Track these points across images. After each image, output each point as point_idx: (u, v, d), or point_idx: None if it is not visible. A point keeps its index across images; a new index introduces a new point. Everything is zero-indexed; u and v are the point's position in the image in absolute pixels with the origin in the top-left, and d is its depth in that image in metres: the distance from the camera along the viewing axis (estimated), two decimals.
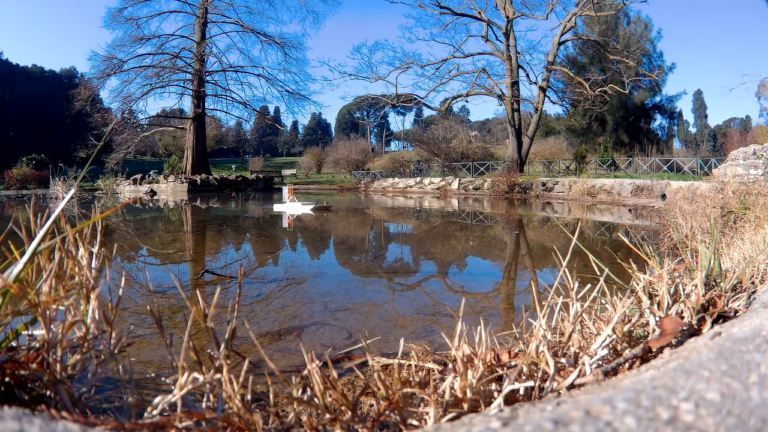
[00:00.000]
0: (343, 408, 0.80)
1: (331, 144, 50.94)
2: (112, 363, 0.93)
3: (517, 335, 1.29)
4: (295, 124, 74.61)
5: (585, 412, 0.55)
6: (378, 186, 26.64)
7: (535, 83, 24.43)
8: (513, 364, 1.00)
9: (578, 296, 1.13)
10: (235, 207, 13.95)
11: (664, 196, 10.73)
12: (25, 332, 0.91)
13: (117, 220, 9.01)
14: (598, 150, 28.83)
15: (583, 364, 0.95)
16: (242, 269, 4.40)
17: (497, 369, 0.99)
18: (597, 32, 29.37)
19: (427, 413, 0.83)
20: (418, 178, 25.66)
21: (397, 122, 73.91)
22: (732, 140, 34.72)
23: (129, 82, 27.10)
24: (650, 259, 1.53)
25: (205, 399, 0.83)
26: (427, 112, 58.51)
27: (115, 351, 0.94)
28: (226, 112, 31.31)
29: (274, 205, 12.30)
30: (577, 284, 1.15)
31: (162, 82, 27.79)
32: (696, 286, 1.25)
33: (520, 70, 24.30)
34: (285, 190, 12.43)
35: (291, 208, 11.20)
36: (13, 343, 0.91)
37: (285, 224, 8.84)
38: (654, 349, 1.02)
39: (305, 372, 0.85)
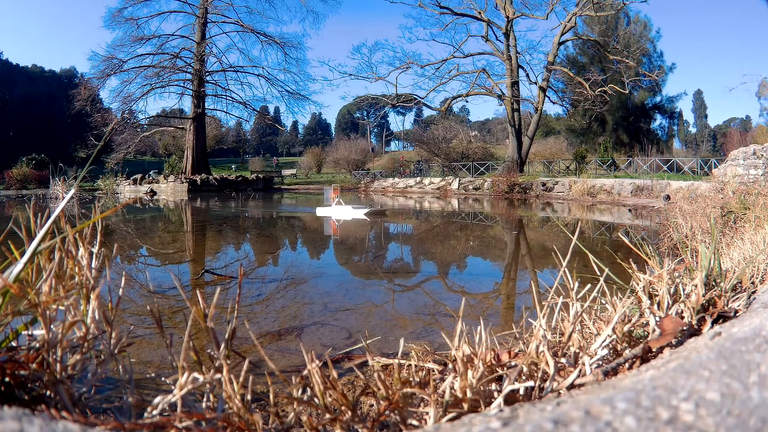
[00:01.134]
0: (343, 408, 0.81)
1: (331, 144, 50.91)
2: (112, 363, 0.93)
3: (517, 335, 1.29)
4: (295, 124, 74.60)
5: (585, 412, 0.55)
6: (378, 186, 26.64)
7: (535, 83, 24.44)
8: (513, 364, 1.00)
9: (578, 296, 1.13)
10: (235, 207, 13.95)
11: (667, 198, 10.70)
12: (25, 332, 0.91)
13: (117, 220, 9.01)
14: (598, 150, 28.83)
15: (583, 364, 0.95)
16: (242, 269, 4.40)
17: (497, 369, 0.99)
18: (597, 32, 29.37)
19: (427, 413, 0.83)
20: (418, 178, 25.65)
21: (397, 122, 73.96)
22: (732, 140, 34.71)
23: (129, 82, 27.12)
24: (650, 259, 1.53)
25: (205, 399, 0.83)
26: (427, 112, 58.49)
27: (115, 351, 0.94)
28: (226, 112, 31.33)
29: (317, 208, 10.44)
30: (577, 284, 1.15)
31: (162, 82, 27.79)
32: (696, 286, 1.25)
33: (520, 70, 24.31)
34: (329, 191, 10.43)
35: (338, 212, 9.57)
36: (13, 343, 0.91)
37: (329, 230, 7.75)
38: (654, 349, 1.02)
39: (305, 372, 0.85)
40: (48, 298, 0.89)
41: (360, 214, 9.43)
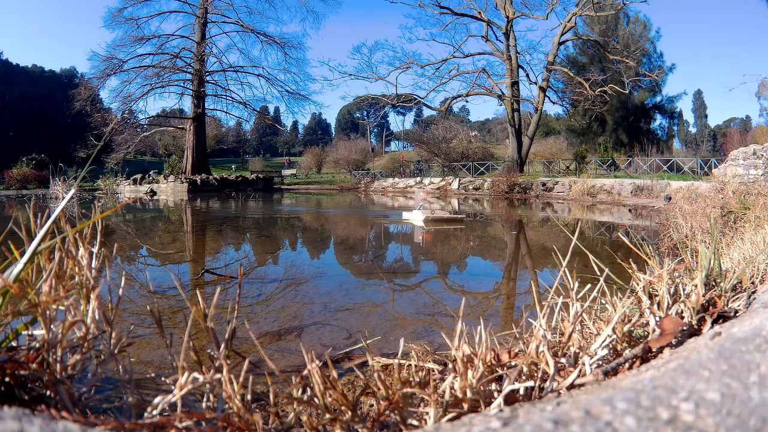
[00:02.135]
0: (343, 408, 0.81)
1: (331, 144, 50.92)
2: (112, 363, 0.93)
3: (517, 335, 1.29)
4: (295, 124, 74.48)
5: (585, 412, 0.55)
6: (378, 186, 26.64)
7: (535, 83, 24.44)
8: (513, 364, 1.00)
9: (578, 296, 1.13)
10: (235, 207, 13.95)
11: (668, 198, 10.69)
12: (25, 332, 0.91)
13: (117, 220, 9.01)
14: (598, 150, 28.82)
15: (583, 364, 0.95)
16: (242, 269, 4.40)
17: (497, 369, 0.99)
18: (597, 32, 29.35)
19: (427, 413, 0.83)
20: (418, 178, 25.65)
21: (397, 122, 73.98)
22: (732, 140, 34.70)
23: (129, 82, 27.11)
24: (650, 259, 1.53)
25: (205, 399, 0.83)
26: (427, 112, 58.45)
27: (115, 351, 0.94)
28: (226, 112, 31.32)
29: (403, 213, 9.21)
30: (577, 284, 1.15)
31: (162, 82, 27.78)
32: (696, 286, 1.25)
33: (520, 70, 24.31)
34: (420, 193, 9.25)
35: (418, 216, 8.42)
36: (13, 343, 0.91)
37: (419, 237, 6.87)
38: (654, 349, 1.02)
39: (305, 372, 0.85)
40: (48, 298, 0.89)
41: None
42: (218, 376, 0.80)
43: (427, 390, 0.82)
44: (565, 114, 33.29)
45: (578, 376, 0.89)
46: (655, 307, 1.19)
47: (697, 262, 1.43)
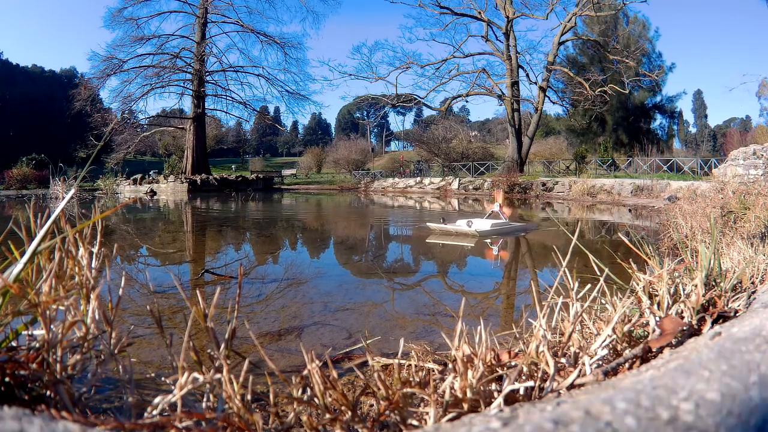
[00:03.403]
0: (343, 408, 0.81)
1: (331, 144, 50.96)
2: (112, 363, 0.93)
3: (517, 335, 1.29)
4: (295, 124, 74.43)
5: (585, 412, 0.55)
6: (378, 186, 26.63)
7: (535, 83, 24.44)
8: (513, 364, 1.00)
9: (578, 296, 1.13)
10: (235, 207, 13.94)
11: (675, 198, 10.67)
12: (25, 332, 0.91)
13: (117, 220, 9.01)
14: (598, 150, 28.82)
15: (583, 364, 0.95)
16: (242, 269, 4.40)
17: (497, 369, 0.99)
18: (597, 32, 29.35)
19: (427, 413, 0.83)
20: (418, 178, 25.65)
21: (397, 122, 73.99)
22: (732, 140, 34.70)
23: (129, 82, 27.11)
24: (650, 259, 1.53)
25: (205, 399, 0.83)
26: (427, 112, 58.46)
27: (115, 351, 0.94)
28: (226, 112, 31.31)
29: (474, 222, 6.56)
30: (577, 284, 1.15)
31: (162, 82, 27.78)
32: (696, 286, 1.25)
33: (520, 70, 24.31)
34: (497, 207, 7.13)
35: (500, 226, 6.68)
36: (13, 343, 0.91)
37: (495, 254, 5.32)
38: (654, 349, 1.02)
39: (305, 372, 0.85)
40: (48, 298, 0.89)
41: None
42: (218, 376, 0.80)
43: (427, 390, 0.82)
44: (565, 114, 33.29)
45: (578, 376, 0.89)
46: (655, 307, 1.19)
47: (697, 262, 1.43)
